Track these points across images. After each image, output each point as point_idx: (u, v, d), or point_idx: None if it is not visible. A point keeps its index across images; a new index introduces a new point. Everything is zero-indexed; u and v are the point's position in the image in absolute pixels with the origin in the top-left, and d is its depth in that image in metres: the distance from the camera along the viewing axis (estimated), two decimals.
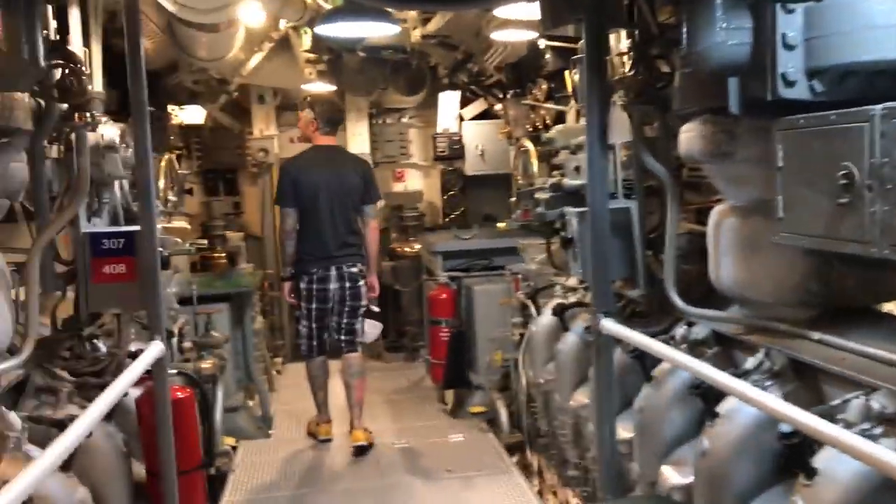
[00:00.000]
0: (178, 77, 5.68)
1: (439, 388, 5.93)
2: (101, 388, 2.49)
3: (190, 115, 7.18)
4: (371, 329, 5.41)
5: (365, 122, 7.82)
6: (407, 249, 7.59)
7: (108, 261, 2.77)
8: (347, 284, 5.13)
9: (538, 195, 3.78)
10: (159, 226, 3.49)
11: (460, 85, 7.42)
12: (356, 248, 5.20)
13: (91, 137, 2.80)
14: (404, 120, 8.19)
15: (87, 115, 2.42)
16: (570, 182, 3.62)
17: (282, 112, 8.11)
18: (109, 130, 2.83)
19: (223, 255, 6.18)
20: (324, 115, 5.29)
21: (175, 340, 4.24)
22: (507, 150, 7.47)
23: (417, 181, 8.39)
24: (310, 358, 5.23)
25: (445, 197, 7.92)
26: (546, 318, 4.43)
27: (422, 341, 7.46)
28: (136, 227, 2.74)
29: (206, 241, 4.07)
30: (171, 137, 5.43)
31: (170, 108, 6.55)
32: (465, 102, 7.83)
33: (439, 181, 8.05)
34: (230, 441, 4.87)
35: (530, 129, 5.47)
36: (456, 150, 7.70)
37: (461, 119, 7.79)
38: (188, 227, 3.37)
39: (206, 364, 4.24)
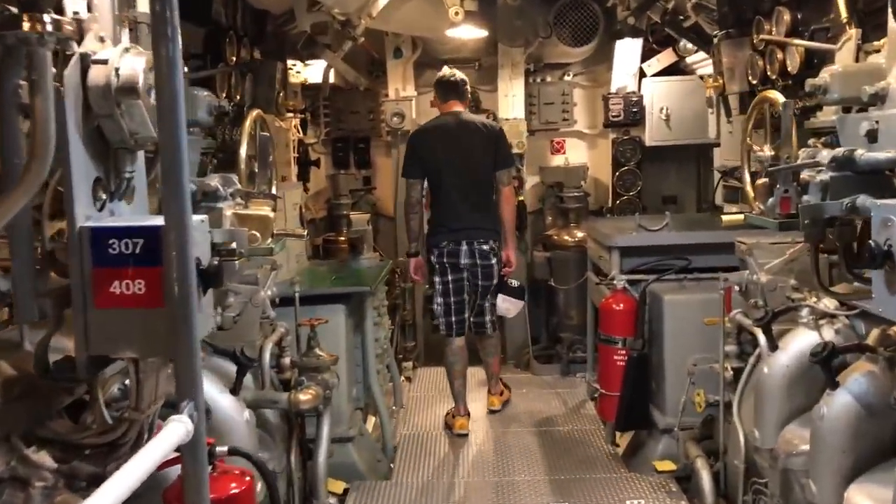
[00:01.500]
0: (297, 24, 4.74)
1: (611, 427, 4.67)
2: (98, 481, 1.51)
3: (316, 72, 6.31)
4: (509, 305, 5.16)
5: (520, 81, 6.61)
6: (567, 238, 6.35)
7: (120, 273, 1.77)
8: (479, 261, 4.94)
9: (807, 175, 2.43)
10: (229, 213, 2.49)
11: (644, 30, 6.03)
12: (490, 223, 5.01)
13: (100, 73, 1.79)
14: (568, 78, 6.89)
15: (45, 20, 1.39)
16: (871, 156, 2.25)
17: (422, 70, 7.08)
18: (130, 62, 1.80)
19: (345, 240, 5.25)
20: (437, 84, 5.19)
21: (266, 360, 3.32)
22: (701, 114, 6.04)
23: (581, 153, 7.12)
24: (448, 338, 5.05)
25: (617, 173, 6.56)
26: (787, 359, 3.14)
27: (581, 350, 6.24)
28: (160, 221, 1.71)
29: (303, 232, 3.04)
30: (281, 94, 4.47)
31: (290, 62, 5.68)
32: (645, 55, 6.42)
33: (610, 153, 6.70)
34: (337, 487, 3.91)
35: (754, 83, 4.04)
36: (634, 115, 6.35)
37: (641, 75, 6.40)
38: (270, 214, 2.33)
39: (305, 396, 3.26)
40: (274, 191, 3.25)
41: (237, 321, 3.39)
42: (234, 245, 2.35)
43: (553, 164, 7.03)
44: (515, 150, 6.39)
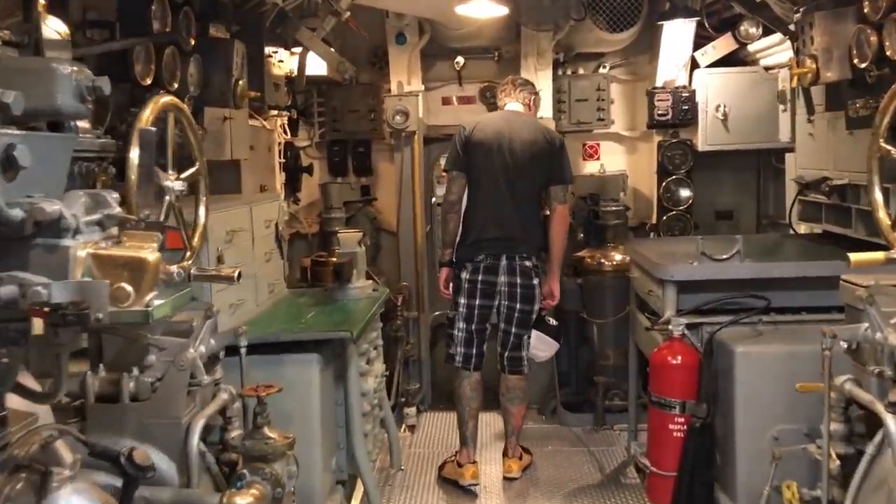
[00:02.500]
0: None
1: None
2: None
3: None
4: (543, 346, 4.53)
5: (548, 73, 5.69)
6: (603, 261, 5.42)
7: None
8: (520, 280, 4.38)
9: None
10: (83, 253, 1.61)
11: (697, 10, 5.11)
12: (535, 238, 4.48)
13: None
14: (604, 70, 5.95)
15: None
16: None
17: (432, 61, 6.21)
18: None
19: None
20: (498, 92, 4.75)
21: (194, 445, 2.46)
22: (767, 112, 5.14)
23: (619, 159, 6.22)
24: (465, 372, 4.46)
25: (664, 184, 5.60)
26: None
27: (619, 397, 5.32)
28: None
29: (232, 272, 2.14)
30: (241, 83, 3.59)
31: (271, 49, 4.84)
32: (698, 43, 5.47)
33: (654, 160, 5.75)
34: None
35: (862, 66, 3.10)
36: (684, 113, 5.41)
37: (693, 66, 5.46)
38: (150, 255, 1.42)
39: (245, 499, 2.38)
40: (202, 213, 2.37)
41: (157, 388, 2.56)
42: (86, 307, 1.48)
43: (586, 171, 6.13)
44: None
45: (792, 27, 3.92)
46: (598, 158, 6.21)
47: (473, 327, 4.42)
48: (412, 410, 5.52)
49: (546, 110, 5.68)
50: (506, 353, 4.49)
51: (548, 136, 4.50)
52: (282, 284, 4.42)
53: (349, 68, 4.09)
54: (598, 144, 6.25)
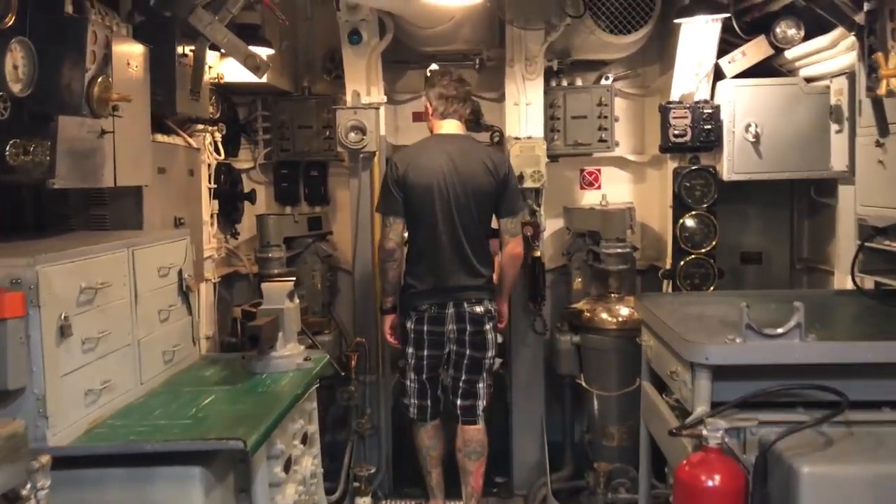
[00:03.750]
0: None
1: None
2: None
3: (235, 67, 4.52)
4: None
5: (538, 83, 4.75)
6: (606, 317, 4.49)
7: None
8: (469, 328, 4.13)
9: None
10: None
11: (725, 4, 4.21)
12: (485, 280, 4.16)
13: None
14: (607, 81, 5.01)
15: None
16: None
17: (401, 70, 5.36)
18: None
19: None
20: (431, 88, 4.24)
21: None
22: (809, 133, 4.28)
23: (624, 189, 5.35)
24: (421, 423, 4.29)
25: (681, 221, 4.65)
26: None
27: (624, 488, 4.37)
28: None
29: None
30: (101, 81, 2.62)
31: (187, 49, 3.92)
32: (724, 48, 4.56)
33: (668, 190, 4.80)
34: None
35: None
36: (706, 134, 4.50)
37: (717, 76, 4.55)
38: None
39: None
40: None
41: None
42: None
43: (584, 203, 5.25)
44: (530, 184, 4.62)
45: (860, 18, 3.03)
46: (598, 188, 5.37)
47: (424, 377, 4.21)
48: (366, 500, 4.52)
49: (535, 128, 4.77)
50: (458, 402, 4.23)
51: (491, 164, 4.10)
52: (189, 349, 3.47)
53: (263, 64, 3.17)
54: (598, 171, 5.39)
